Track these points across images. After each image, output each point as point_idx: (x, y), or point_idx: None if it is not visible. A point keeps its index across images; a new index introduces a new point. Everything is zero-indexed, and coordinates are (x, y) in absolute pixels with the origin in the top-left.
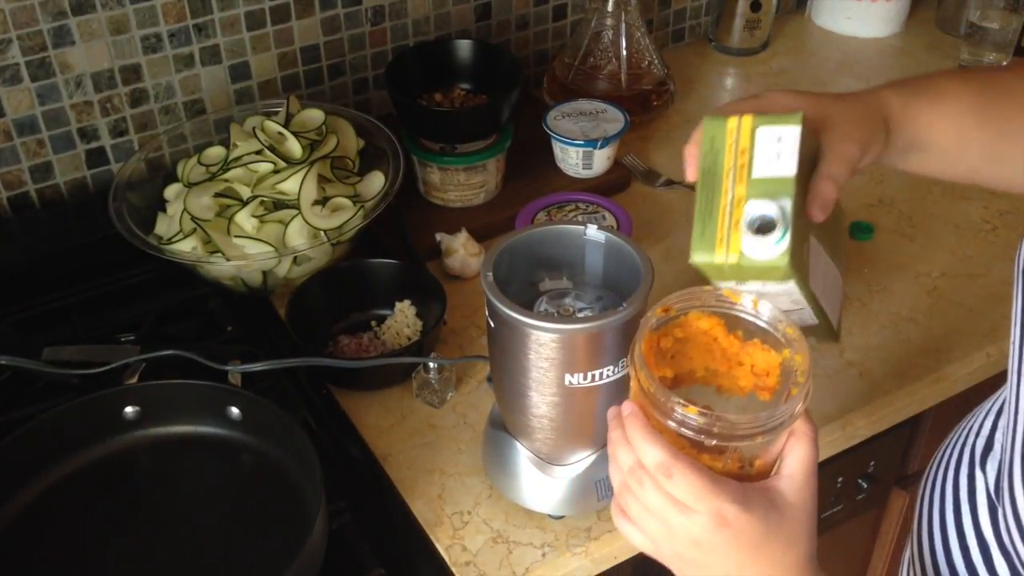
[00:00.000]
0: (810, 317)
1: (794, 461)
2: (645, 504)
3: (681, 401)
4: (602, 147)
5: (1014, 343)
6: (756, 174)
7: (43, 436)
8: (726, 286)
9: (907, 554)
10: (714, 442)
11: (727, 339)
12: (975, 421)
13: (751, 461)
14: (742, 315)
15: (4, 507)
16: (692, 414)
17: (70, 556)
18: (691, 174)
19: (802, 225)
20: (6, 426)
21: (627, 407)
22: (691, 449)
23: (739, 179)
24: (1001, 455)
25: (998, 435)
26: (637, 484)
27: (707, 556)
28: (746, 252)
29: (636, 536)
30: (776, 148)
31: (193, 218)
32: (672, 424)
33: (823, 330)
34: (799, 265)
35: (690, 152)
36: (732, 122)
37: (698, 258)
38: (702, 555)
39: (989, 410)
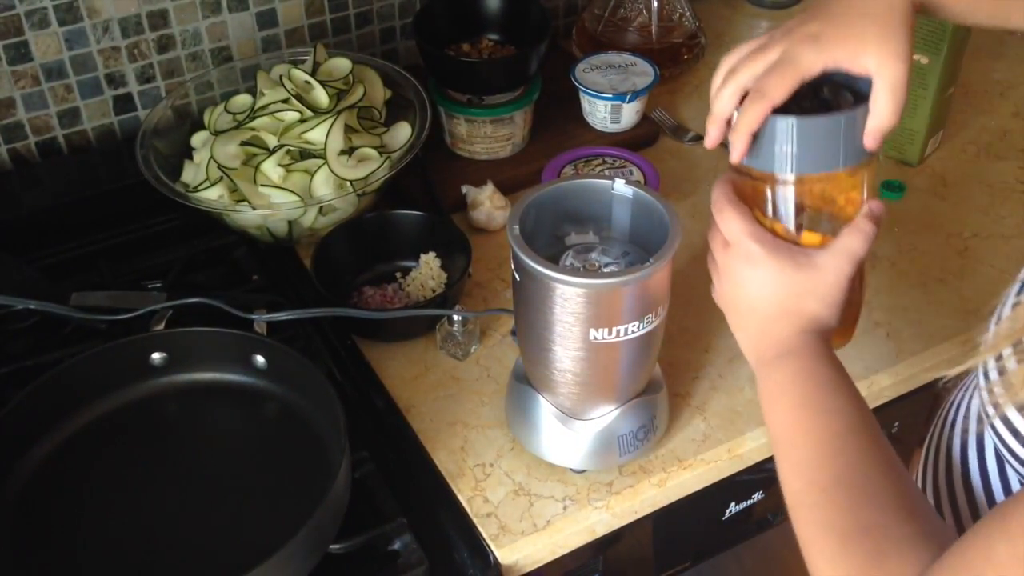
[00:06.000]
0: None
1: (838, 242)
2: (713, 255)
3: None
4: (630, 101)
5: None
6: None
7: (70, 381)
8: None
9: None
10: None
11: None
12: None
13: (797, 227)
14: None
15: (32, 451)
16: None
17: (95, 500)
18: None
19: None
20: (34, 370)
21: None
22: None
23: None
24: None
25: None
26: (712, 241)
27: (738, 291)
28: None
29: (716, 294)
30: None
31: (220, 166)
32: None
33: None
34: None
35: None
36: None
37: None
38: (733, 289)
39: None
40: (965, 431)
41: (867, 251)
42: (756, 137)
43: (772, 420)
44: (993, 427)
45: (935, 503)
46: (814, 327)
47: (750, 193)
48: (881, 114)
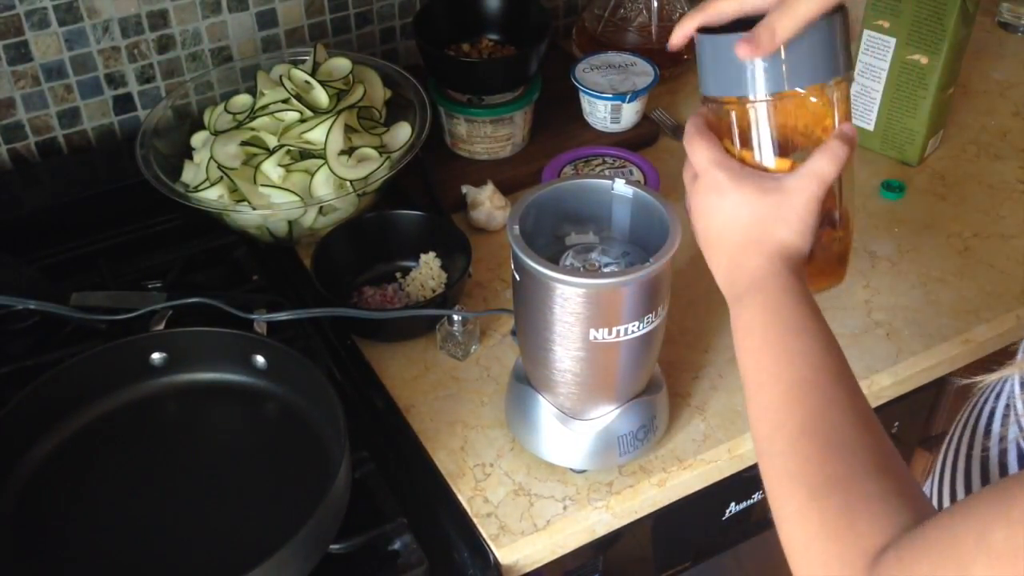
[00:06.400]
0: None
1: (805, 165)
2: (686, 186)
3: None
4: (630, 101)
5: None
6: None
7: (71, 381)
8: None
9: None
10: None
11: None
12: None
13: (765, 154)
14: None
15: (32, 450)
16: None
17: (95, 500)
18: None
19: None
20: (34, 370)
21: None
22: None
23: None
24: None
25: None
26: (684, 175)
27: (708, 222)
28: None
29: (692, 223)
30: None
31: (220, 166)
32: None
33: None
34: None
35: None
36: None
37: None
38: (703, 222)
39: None
40: (988, 436)
41: (837, 172)
42: (715, 60)
43: (741, 360)
44: None
45: (952, 498)
46: (783, 254)
47: (719, 123)
48: (764, 27)
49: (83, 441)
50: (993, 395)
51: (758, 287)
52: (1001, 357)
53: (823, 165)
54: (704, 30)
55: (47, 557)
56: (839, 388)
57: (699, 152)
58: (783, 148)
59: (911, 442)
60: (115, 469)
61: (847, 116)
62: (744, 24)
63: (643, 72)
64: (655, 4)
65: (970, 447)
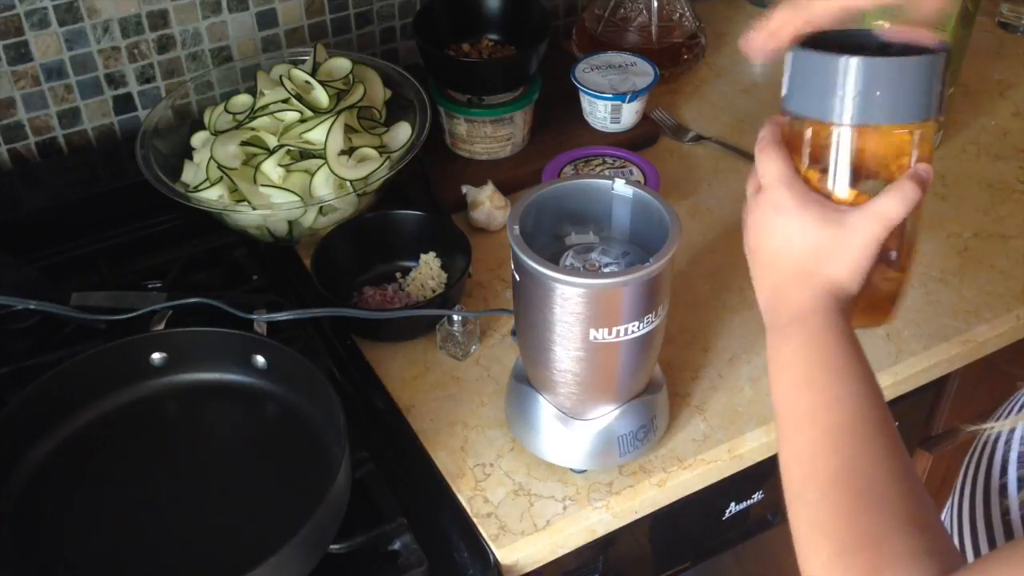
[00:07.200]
0: None
1: (872, 202)
2: (748, 197)
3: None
4: (631, 101)
5: None
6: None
7: (70, 381)
8: None
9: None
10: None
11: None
12: None
13: (833, 180)
14: None
15: (32, 451)
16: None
17: (95, 500)
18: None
19: None
20: (34, 370)
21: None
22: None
23: None
24: None
25: None
26: (748, 183)
27: (763, 241)
28: None
29: (745, 236)
30: None
31: (220, 166)
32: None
33: None
34: None
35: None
36: None
37: None
38: (758, 239)
39: None
40: (1004, 494)
41: (903, 215)
42: (800, 74)
43: (776, 395)
44: None
45: (973, 548)
46: (832, 292)
47: (792, 136)
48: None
49: (83, 441)
50: (1003, 441)
51: (802, 321)
52: (1001, 358)
53: (891, 207)
54: (799, 41)
55: (47, 557)
56: (877, 437)
57: (768, 165)
58: (853, 176)
59: (911, 442)
60: (115, 469)
61: (927, 157)
62: (838, 38)
63: (643, 72)
64: (655, 4)
65: (986, 499)
